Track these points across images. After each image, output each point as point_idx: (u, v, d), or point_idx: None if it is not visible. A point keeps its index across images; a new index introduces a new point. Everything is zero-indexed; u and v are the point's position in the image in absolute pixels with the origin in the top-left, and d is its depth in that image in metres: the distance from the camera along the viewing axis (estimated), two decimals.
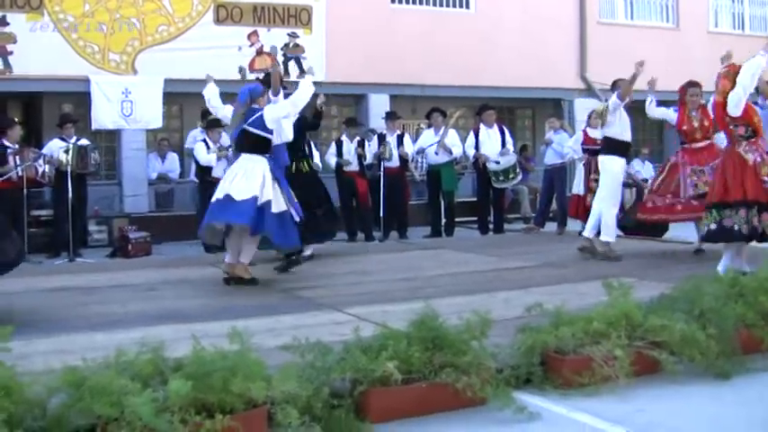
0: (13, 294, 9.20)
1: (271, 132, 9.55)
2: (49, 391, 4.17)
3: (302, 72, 16.74)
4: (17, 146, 13.16)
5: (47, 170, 13.27)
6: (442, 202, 15.10)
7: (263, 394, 4.19)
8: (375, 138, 15.11)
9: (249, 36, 16.90)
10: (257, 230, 9.20)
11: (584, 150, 13.98)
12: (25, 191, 12.80)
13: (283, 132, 10.09)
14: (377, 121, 16.67)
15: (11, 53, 15.12)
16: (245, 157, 9.49)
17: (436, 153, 14.85)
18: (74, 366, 4.28)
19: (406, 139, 15.39)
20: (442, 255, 12.19)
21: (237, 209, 9.05)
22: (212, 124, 13.44)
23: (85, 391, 4.04)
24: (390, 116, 15.58)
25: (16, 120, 14.77)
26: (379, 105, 17.51)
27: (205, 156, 13.22)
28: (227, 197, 9.13)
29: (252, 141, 9.50)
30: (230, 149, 12.79)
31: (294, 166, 10.90)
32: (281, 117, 9.73)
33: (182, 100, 16.37)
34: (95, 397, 3.99)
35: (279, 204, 9.28)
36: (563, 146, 14.71)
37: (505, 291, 8.51)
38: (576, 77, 20.45)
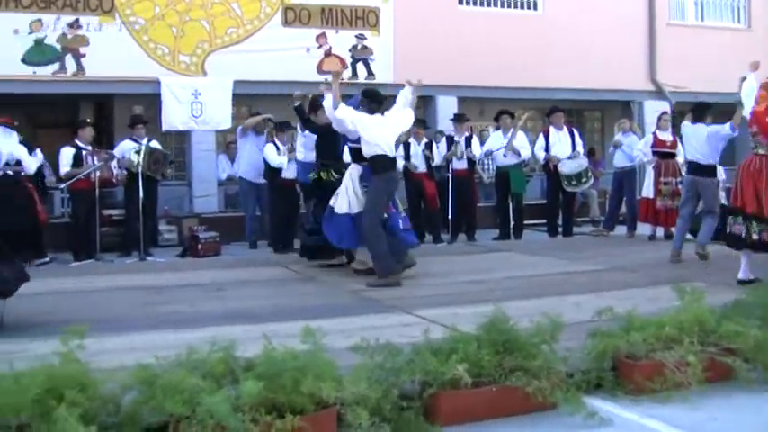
0: (85, 292, 9.37)
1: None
2: (122, 388, 4.23)
3: (370, 74, 16.83)
4: (90, 147, 13.37)
5: (118, 171, 13.48)
6: (511, 205, 15.01)
7: (333, 395, 4.19)
8: (443, 140, 15.05)
9: (317, 38, 16.97)
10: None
11: (654, 153, 13.83)
12: (98, 191, 12.97)
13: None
14: (445, 123, 16.61)
15: (83, 55, 15.38)
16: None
17: (504, 155, 14.77)
18: (146, 364, 4.33)
19: (474, 141, 15.29)
20: (511, 257, 12.15)
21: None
22: (282, 126, 13.56)
23: (158, 388, 4.08)
24: (458, 118, 15.48)
25: (88, 120, 14.99)
26: (446, 107, 17.46)
27: (275, 157, 13.28)
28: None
29: (352, 154, 10.21)
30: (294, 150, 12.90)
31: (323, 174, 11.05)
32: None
33: (250, 101, 16.48)
34: (167, 395, 4.02)
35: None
36: (632, 148, 14.53)
37: (576, 294, 8.44)
38: (646, 79, 20.21)
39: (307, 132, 11.65)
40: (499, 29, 18.44)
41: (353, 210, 9.94)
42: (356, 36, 17.28)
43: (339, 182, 10.58)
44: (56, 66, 15.27)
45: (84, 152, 13.12)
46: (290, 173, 13.26)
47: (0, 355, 5.90)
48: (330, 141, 11.03)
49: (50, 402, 3.91)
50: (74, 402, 3.90)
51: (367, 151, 9.86)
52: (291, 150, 13.18)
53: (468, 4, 18.71)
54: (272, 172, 13.44)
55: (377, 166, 9.74)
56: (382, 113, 9.99)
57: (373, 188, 9.79)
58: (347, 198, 10.06)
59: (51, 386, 3.99)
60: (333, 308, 8.11)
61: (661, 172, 13.63)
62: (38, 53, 15.13)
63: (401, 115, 10.22)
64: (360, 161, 10.07)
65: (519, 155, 14.82)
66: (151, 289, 9.56)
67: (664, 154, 13.76)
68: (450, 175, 14.65)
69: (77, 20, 15.33)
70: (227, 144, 16.89)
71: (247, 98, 16.37)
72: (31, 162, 12.47)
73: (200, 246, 13.50)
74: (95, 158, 13.13)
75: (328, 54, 17.00)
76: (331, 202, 10.16)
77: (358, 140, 9.91)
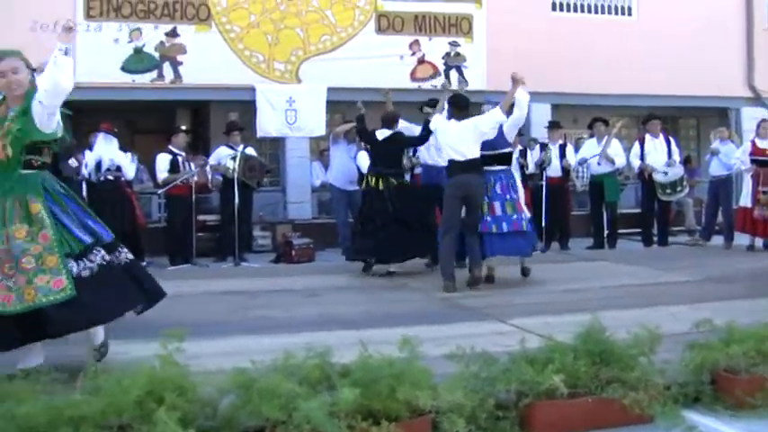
0: (181, 296, 9.50)
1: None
2: (219, 391, 4.29)
3: (463, 81, 16.80)
4: (184, 153, 13.61)
5: (213, 177, 13.70)
6: (605, 213, 14.87)
7: (428, 403, 4.20)
8: (537, 147, 14.95)
9: (411, 45, 17.01)
10: None
11: (753, 161, 13.54)
12: (194, 196, 13.20)
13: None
14: (538, 130, 16.48)
15: (180, 63, 15.66)
16: None
17: (599, 163, 14.65)
18: (243, 368, 4.38)
19: (569, 149, 15.16)
20: (605, 267, 12.02)
21: None
22: None
23: (254, 393, 4.13)
24: (553, 126, 15.38)
25: (183, 127, 15.26)
26: (540, 114, 17.29)
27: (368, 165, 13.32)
28: None
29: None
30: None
31: (391, 182, 11.23)
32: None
33: (344, 108, 16.55)
34: (264, 399, 4.07)
35: None
36: (730, 157, 14.25)
37: (672, 305, 8.29)
38: (743, 86, 19.78)
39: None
40: (593, 35, 18.24)
41: None
42: (449, 43, 17.29)
43: (391, 190, 11.08)
44: (154, 73, 15.59)
45: (179, 158, 13.37)
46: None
47: (105, 358, 6.04)
48: (383, 151, 11.35)
49: (151, 404, 3.98)
50: (173, 405, 3.97)
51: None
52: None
53: (561, 10, 18.56)
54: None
55: (448, 171, 10.09)
56: (463, 118, 10.09)
57: (445, 192, 10.08)
58: None
59: (152, 388, 4.07)
60: (426, 315, 8.12)
61: (759, 180, 13.34)
62: (137, 61, 15.47)
63: (483, 117, 10.29)
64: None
65: (613, 163, 14.67)
66: (246, 294, 9.69)
67: (762, 162, 13.47)
68: (544, 183, 14.54)
69: (175, 29, 15.63)
70: (320, 151, 17.01)
71: (341, 105, 16.48)
72: (131, 168, 12.75)
73: (293, 252, 13.64)
74: (191, 164, 13.37)
75: (421, 61, 17.03)
76: None
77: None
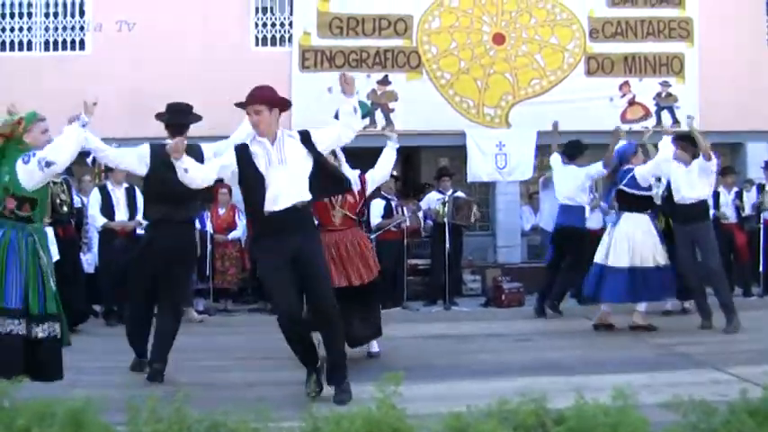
0: (393, 340, 9.69)
1: (648, 189, 9.84)
2: None
3: (675, 122, 16.44)
4: (396, 198, 13.90)
5: (426, 222, 13.94)
6: None
7: None
8: (753, 188, 14.47)
9: (621, 86, 16.78)
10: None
11: None
12: (405, 240, 13.44)
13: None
14: (755, 170, 15.92)
15: (392, 110, 16.02)
16: (625, 216, 10.14)
17: None
18: (457, 413, 4.42)
19: None
20: None
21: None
22: None
23: None
24: None
25: (395, 173, 15.58)
26: (756, 154, 16.69)
27: None
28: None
29: (629, 201, 9.99)
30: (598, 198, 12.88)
31: None
32: (650, 175, 9.95)
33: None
34: None
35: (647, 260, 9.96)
36: None
37: None
38: None
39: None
40: None
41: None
42: (660, 83, 16.95)
43: None
44: (366, 120, 15.97)
45: (392, 203, 13.66)
46: (593, 222, 13.16)
47: (321, 398, 6.23)
48: None
49: None
50: None
51: None
52: (595, 200, 13.10)
53: None
54: None
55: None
56: None
57: None
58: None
59: (369, 430, 4.17)
60: (639, 362, 8.00)
61: None
62: None
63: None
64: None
65: None
66: (457, 338, 9.81)
67: None
68: (762, 226, 14.02)
69: (386, 77, 16.02)
70: (530, 195, 17.00)
71: (550, 149, 16.42)
72: None
73: (503, 296, 13.63)
74: (404, 209, 13.63)
75: (632, 102, 16.78)
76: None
77: None
